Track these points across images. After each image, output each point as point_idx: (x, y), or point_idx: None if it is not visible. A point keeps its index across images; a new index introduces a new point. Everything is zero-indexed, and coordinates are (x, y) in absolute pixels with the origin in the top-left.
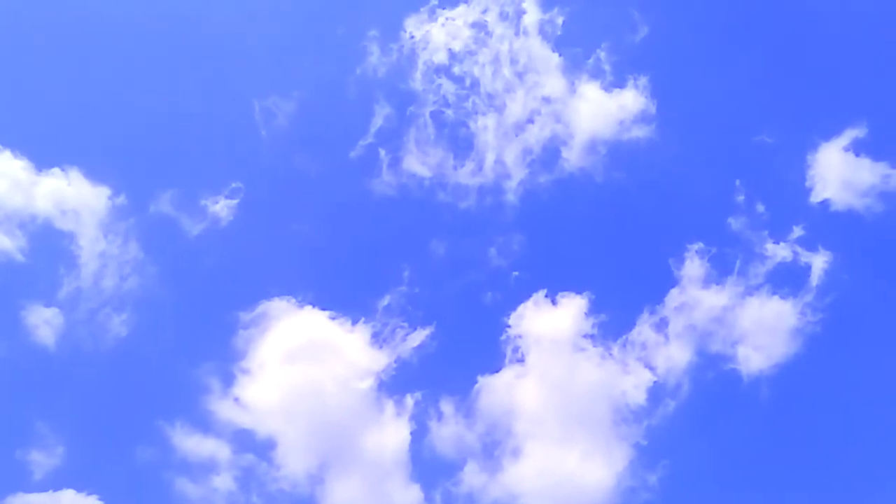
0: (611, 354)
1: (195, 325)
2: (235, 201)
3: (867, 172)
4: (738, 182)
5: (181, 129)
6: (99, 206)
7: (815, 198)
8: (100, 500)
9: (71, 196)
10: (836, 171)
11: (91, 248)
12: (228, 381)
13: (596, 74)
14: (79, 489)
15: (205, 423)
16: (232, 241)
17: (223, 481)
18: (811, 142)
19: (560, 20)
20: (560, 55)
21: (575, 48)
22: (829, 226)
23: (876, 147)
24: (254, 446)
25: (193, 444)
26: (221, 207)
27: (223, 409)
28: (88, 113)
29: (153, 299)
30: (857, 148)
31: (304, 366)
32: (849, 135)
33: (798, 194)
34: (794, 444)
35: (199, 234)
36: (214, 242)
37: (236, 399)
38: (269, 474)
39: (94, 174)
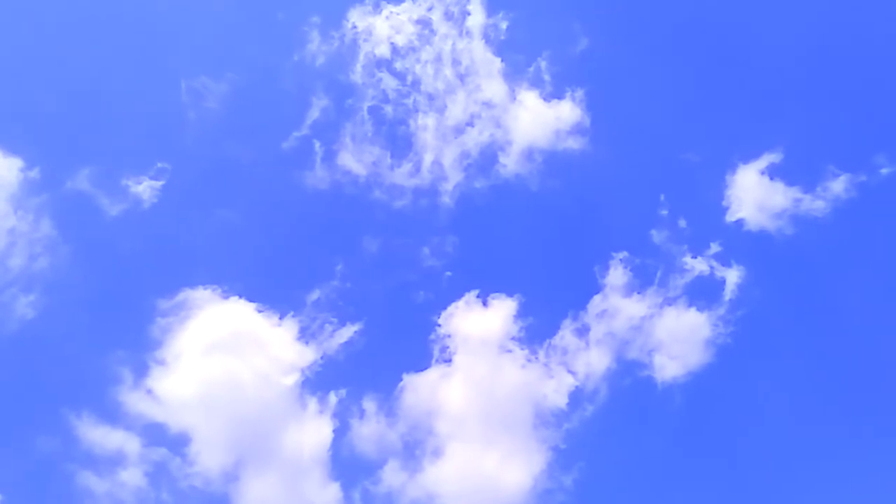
0: (536, 358)
1: (109, 311)
2: (160, 183)
3: (780, 196)
4: (662, 197)
5: (102, 102)
6: (10, 179)
7: (731, 216)
8: None
9: None
10: (752, 193)
11: None
12: (142, 371)
13: (536, 83)
14: None
15: (113, 415)
16: (154, 225)
17: (131, 476)
18: (731, 163)
19: (504, 25)
20: (502, 60)
21: (517, 55)
22: (742, 244)
23: (790, 172)
24: (166, 440)
25: (100, 435)
26: (144, 188)
27: (134, 401)
28: (1, 78)
29: (64, 281)
30: (773, 172)
31: (225, 359)
32: (766, 159)
33: (716, 212)
34: (704, 448)
35: (119, 214)
36: (135, 224)
37: (149, 391)
38: (182, 470)
39: (6, 144)
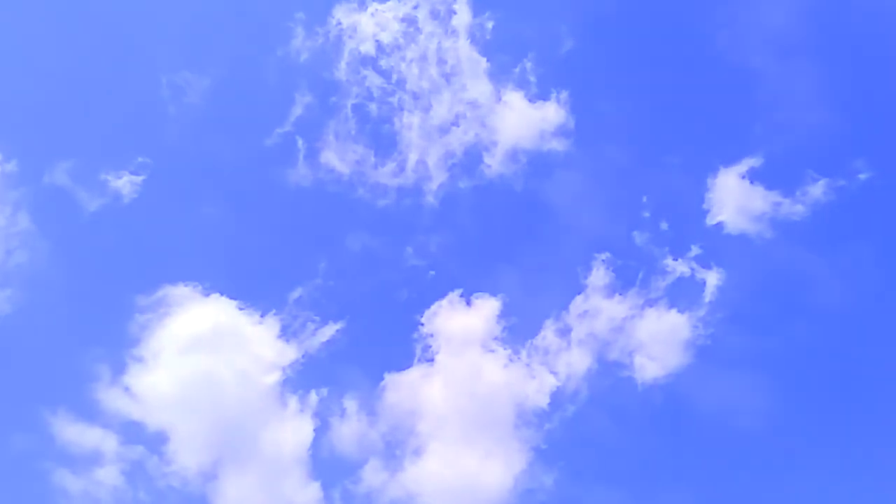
0: (518, 357)
1: (87, 307)
2: (140, 178)
3: (760, 199)
4: (644, 199)
5: (82, 95)
6: None
7: (712, 219)
8: None
9: None
10: (733, 196)
11: None
12: (119, 368)
13: (521, 84)
14: None
15: (90, 412)
16: (134, 220)
17: (108, 474)
18: (712, 166)
19: (490, 25)
20: (488, 60)
21: (503, 55)
22: (722, 246)
23: (770, 177)
24: (143, 439)
25: (76, 433)
26: (124, 183)
27: (111, 398)
28: None
29: (42, 276)
30: (753, 176)
31: (205, 357)
32: (747, 163)
33: (697, 215)
34: (683, 448)
35: (98, 209)
36: (114, 220)
37: (127, 388)
38: (159, 469)
39: None
